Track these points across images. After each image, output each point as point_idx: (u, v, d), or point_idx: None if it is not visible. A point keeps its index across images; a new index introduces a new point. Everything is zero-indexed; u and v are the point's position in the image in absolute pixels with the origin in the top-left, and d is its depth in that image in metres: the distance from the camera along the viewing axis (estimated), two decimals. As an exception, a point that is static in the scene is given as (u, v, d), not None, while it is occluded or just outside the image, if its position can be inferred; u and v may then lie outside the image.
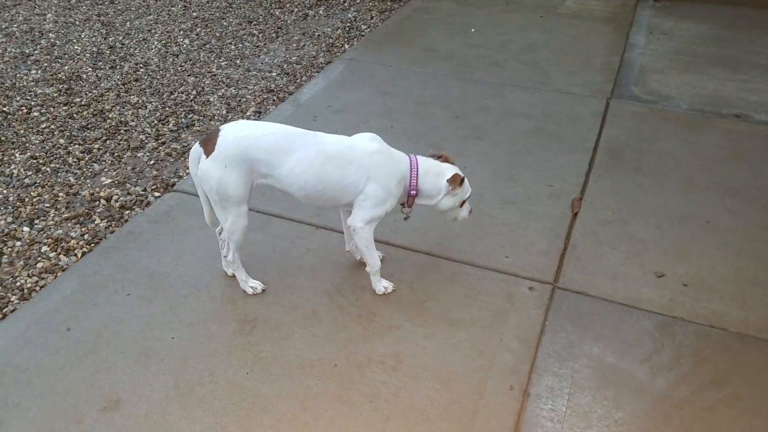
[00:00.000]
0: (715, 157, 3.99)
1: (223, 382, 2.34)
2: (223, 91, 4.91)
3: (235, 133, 2.42)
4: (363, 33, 6.07)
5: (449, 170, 2.62)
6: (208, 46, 5.76)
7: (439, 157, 2.70)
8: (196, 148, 2.46)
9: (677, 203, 3.51)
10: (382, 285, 2.78)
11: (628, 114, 4.49)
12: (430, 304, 2.76)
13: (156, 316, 2.64)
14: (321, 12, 6.65)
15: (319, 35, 6.02)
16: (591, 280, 2.93)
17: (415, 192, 2.59)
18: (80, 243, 3.17)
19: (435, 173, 2.61)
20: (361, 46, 5.66)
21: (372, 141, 2.56)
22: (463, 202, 2.71)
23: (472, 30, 5.99)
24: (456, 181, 2.58)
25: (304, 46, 5.78)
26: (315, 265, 2.97)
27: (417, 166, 2.59)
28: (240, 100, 4.76)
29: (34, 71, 5.15)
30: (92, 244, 3.16)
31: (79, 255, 3.08)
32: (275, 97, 4.81)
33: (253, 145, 2.41)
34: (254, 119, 4.47)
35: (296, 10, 6.70)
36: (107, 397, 2.27)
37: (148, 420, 2.19)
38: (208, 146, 2.40)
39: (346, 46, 5.74)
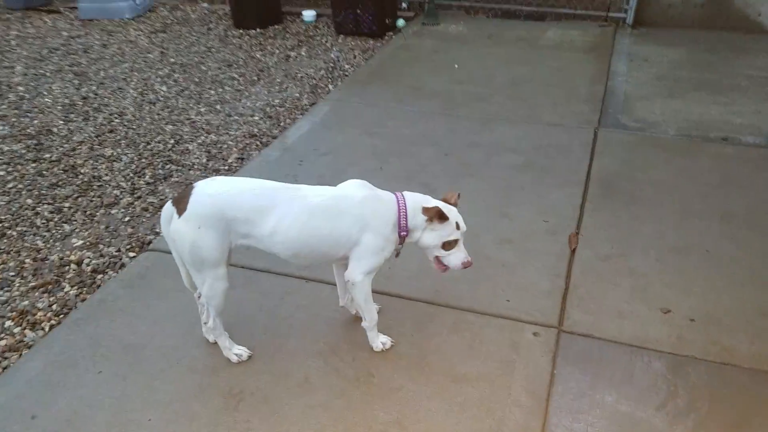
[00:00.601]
0: (708, 182, 3.90)
1: (209, 469, 2.13)
2: (203, 138, 4.76)
3: (210, 191, 2.26)
4: (347, 73, 5.99)
5: (432, 203, 2.40)
6: (186, 92, 5.63)
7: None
8: (168, 207, 2.29)
9: (676, 233, 3.40)
10: (380, 341, 2.60)
11: (617, 143, 4.40)
12: (432, 359, 2.57)
13: (131, 396, 2.41)
14: (303, 53, 6.58)
15: (302, 76, 5.92)
16: (596, 321, 2.77)
17: (405, 233, 2.38)
18: (48, 315, 2.95)
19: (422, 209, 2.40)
20: (345, 86, 5.57)
21: (359, 188, 2.39)
22: (450, 245, 2.40)
23: (456, 66, 5.94)
24: (430, 213, 2.31)
25: (287, 88, 5.67)
26: (306, 322, 2.78)
27: (405, 204, 2.38)
28: (221, 147, 4.61)
29: (0, 127, 4.96)
30: (61, 315, 2.94)
31: (47, 329, 2.86)
32: (258, 142, 4.66)
33: (230, 203, 2.24)
34: (237, 166, 4.32)
35: (278, 51, 6.63)
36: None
37: None
38: (181, 205, 2.23)
39: (330, 87, 5.65)
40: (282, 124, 4.94)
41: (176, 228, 2.24)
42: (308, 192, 2.32)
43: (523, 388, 2.43)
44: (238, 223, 2.26)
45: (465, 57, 6.19)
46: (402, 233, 2.35)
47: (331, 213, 2.28)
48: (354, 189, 2.37)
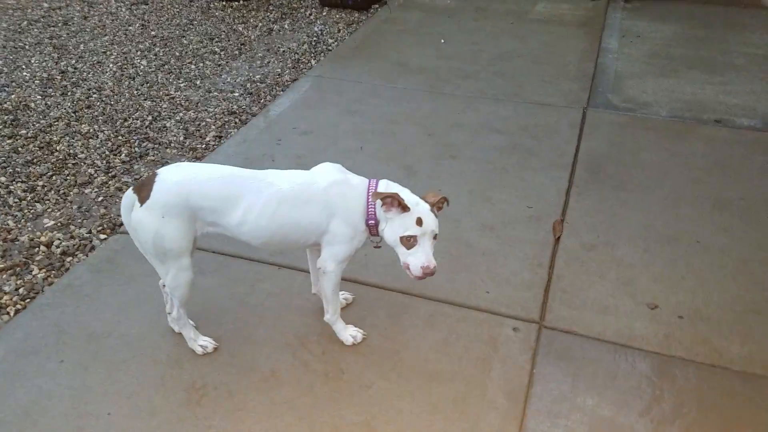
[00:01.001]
0: (700, 167, 3.78)
1: (167, 468, 2.04)
2: (181, 115, 4.60)
3: (175, 178, 2.13)
4: (330, 47, 5.80)
5: (405, 194, 2.17)
6: (166, 66, 5.44)
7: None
8: (129, 195, 2.17)
9: (665, 221, 3.29)
10: (348, 333, 2.50)
11: (606, 124, 4.27)
12: (405, 354, 2.48)
13: (92, 387, 2.32)
14: (286, 26, 6.37)
15: (284, 51, 5.73)
16: (579, 315, 2.68)
17: (373, 222, 2.20)
18: (14, 299, 2.84)
19: None
20: (328, 62, 5.38)
21: (330, 172, 2.25)
22: (409, 243, 2.13)
23: (442, 41, 5.75)
24: (380, 197, 2.09)
25: (268, 63, 5.49)
26: (277, 312, 2.68)
27: (376, 190, 2.20)
28: (199, 125, 4.46)
29: (-24, 102, 4.78)
30: (27, 300, 2.83)
31: (12, 313, 2.75)
32: (237, 120, 4.51)
33: (196, 190, 2.12)
34: (214, 145, 4.18)
35: (260, 24, 6.41)
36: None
37: None
38: (143, 193, 2.11)
39: (313, 62, 5.46)
40: (262, 101, 4.77)
41: (138, 218, 2.12)
42: (276, 179, 2.20)
43: (500, 388, 2.33)
44: (204, 212, 2.15)
45: (452, 31, 6.00)
46: (369, 221, 2.20)
47: (299, 201, 2.16)
48: (323, 174, 2.23)
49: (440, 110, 4.48)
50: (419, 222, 2.09)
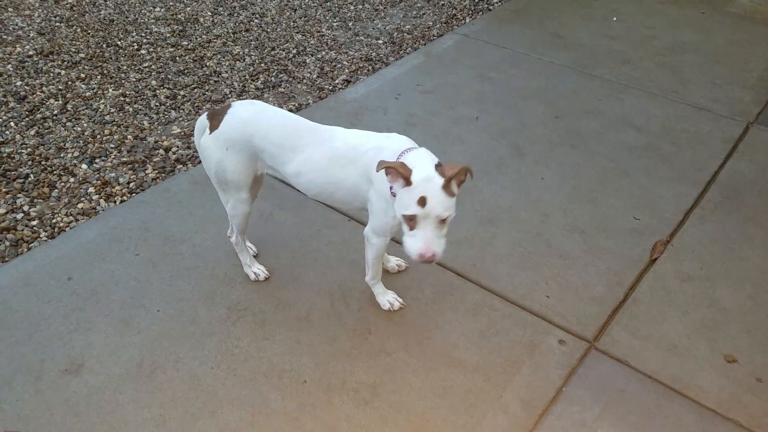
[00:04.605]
0: None
1: (185, 373, 2.23)
2: (323, 53, 4.74)
3: (244, 115, 2.22)
4: (492, 6, 5.56)
5: (425, 166, 1.91)
6: (329, 3, 5.60)
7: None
8: (202, 120, 2.30)
9: (796, 272, 2.80)
10: (386, 299, 2.50)
11: (767, 146, 3.66)
12: (436, 334, 2.43)
13: (153, 284, 2.58)
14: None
15: (443, 4, 5.61)
16: (640, 347, 2.41)
17: (395, 194, 1.99)
18: (123, 191, 3.22)
19: None
20: (482, 21, 5.17)
21: (384, 139, 2.13)
22: (411, 223, 1.89)
23: (614, 18, 5.24)
24: (383, 166, 1.88)
25: (423, 14, 5.42)
26: (331, 260, 2.75)
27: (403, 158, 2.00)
28: (335, 66, 4.57)
29: (158, 9, 5.33)
30: (133, 194, 3.19)
31: (117, 202, 3.13)
32: (370, 67, 4.55)
33: (260, 133, 2.20)
34: (340, 88, 4.27)
35: (431, -27, 6.30)
36: (73, 360, 2.25)
37: (99, 393, 2.14)
38: (214, 122, 2.23)
39: (468, 19, 5.29)
40: (401, 52, 4.74)
41: (205, 144, 2.26)
42: (336, 136, 2.20)
43: (518, 394, 2.21)
44: (265, 155, 2.23)
45: (630, 10, 5.42)
46: (391, 190, 2.00)
47: (344, 161, 2.15)
48: (372, 138, 2.16)
49: (580, 93, 4.14)
50: (422, 201, 1.85)
